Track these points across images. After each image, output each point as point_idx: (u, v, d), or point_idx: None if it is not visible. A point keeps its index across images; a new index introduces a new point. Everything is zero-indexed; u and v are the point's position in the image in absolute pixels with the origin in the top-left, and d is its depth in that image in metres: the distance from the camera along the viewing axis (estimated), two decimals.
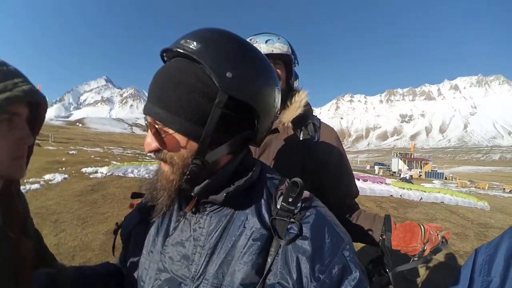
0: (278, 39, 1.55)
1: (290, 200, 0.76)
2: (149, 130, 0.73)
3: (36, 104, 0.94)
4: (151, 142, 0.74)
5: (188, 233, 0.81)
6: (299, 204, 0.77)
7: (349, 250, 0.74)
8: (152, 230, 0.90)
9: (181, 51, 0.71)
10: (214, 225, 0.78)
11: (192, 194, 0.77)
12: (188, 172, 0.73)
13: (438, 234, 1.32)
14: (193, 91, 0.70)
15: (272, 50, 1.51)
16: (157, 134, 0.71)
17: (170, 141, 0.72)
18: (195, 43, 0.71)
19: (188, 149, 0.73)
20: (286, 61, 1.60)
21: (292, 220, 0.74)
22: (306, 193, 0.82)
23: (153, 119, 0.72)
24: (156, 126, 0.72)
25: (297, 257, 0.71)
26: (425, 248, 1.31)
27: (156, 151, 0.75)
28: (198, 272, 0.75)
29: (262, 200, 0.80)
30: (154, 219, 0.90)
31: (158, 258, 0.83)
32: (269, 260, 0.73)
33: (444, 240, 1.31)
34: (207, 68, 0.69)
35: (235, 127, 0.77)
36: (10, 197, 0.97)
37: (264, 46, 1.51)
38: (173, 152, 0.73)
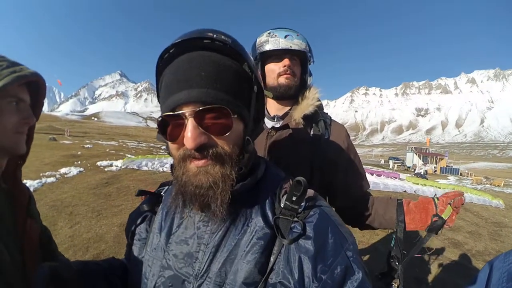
0: (297, 35, 1.54)
1: (294, 199, 0.75)
2: (190, 122, 0.68)
3: (36, 93, 1.12)
4: (200, 133, 0.68)
5: (192, 230, 0.82)
6: (303, 203, 0.77)
7: (352, 251, 0.73)
8: (156, 227, 0.90)
9: (219, 42, 0.75)
10: (218, 224, 0.78)
11: (231, 190, 0.74)
12: (242, 156, 0.76)
13: (450, 203, 1.34)
14: (239, 77, 0.76)
15: (291, 46, 1.50)
16: (220, 119, 0.70)
17: (235, 126, 0.72)
18: (224, 37, 0.75)
19: (241, 132, 0.77)
20: (303, 58, 1.59)
21: (295, 219, 0.75)
22: (310, 192, 0.81)
23: (215, 103, 0.69)
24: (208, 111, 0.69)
25: (299, 256, 0.71)
26: (432, 223, 1.35)
27: (205, 145, 0.70)
28: (202, 270, 0.75)
29: (266, 199, 0.81)
30: (159, 216, 0.92)
31: (162, 255, 0.84)
32: (271, 259, 0.73)
33: (436, 219, 1.34)
34: (241, 58, 0.78)
35: (256, 111, 0.85)
36: (15, 177, 1.11)
37: (283, 40, 1.51)
38: (229, 139, 0.72)
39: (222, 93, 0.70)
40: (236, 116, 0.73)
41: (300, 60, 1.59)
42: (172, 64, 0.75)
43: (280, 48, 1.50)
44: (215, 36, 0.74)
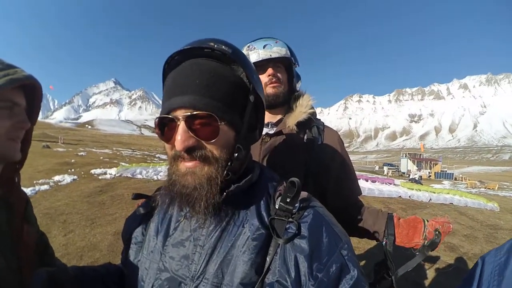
0: (276, 42, 1.55)
1: (288, 200, 0.77)
2: (181, 125, 0.72)
3: (32, 96, 1.07)
4: (189, 137, 0.72)
5: (188, 233, 0.83)
6: (297, 204, 0.79)
7: (347, 249, 0.74)
8: (153, 231, 0.91)
9: (218, 52, 0.77)
10: (214, 225, 0.79)
11: (226, 192, 0.77)
12: (231, 163, 0.77)
13: (437, 229, 1.33)
14: (234, 86, 0.78)
15: (271, 55, 1.51)
16: (208, 125, 0.72)
17: (221, 132, 0.74)
18: (225, 47, 0.78)
19: (231, 139, 0.78)
20: (286, 64, 1.60)
21: (290, 219, 0.76)
22: (304, 193, 0.83)
23: (205, 109, 0.72)
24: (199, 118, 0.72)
25: (295, 256, 0.72)
26: (426, 243, 1.33)
27: (193, 148, 0.73)
28: (198, 271, 0.76)
29: (261, 201, 0.82)
30: (155, 219, 0.93)
31: (159, 258, 0.84)
32: (268, 259, 0.74)
33: (437, 233, 1.32)
34: (240, 69, 0.80)
35: (254, 121, 0.86)
36: (11, 182, 1.08)
37: (262, 51, 1.52)
38: (217, 145, 0.74)
39: (214, 100, 0.73)
40: (225, 123, 0.75)
41: (284, 66, 1.60)
42: (175, 70, 0.79)
43: (261, 59, 1.51)
44: (215, 46, 0.77)
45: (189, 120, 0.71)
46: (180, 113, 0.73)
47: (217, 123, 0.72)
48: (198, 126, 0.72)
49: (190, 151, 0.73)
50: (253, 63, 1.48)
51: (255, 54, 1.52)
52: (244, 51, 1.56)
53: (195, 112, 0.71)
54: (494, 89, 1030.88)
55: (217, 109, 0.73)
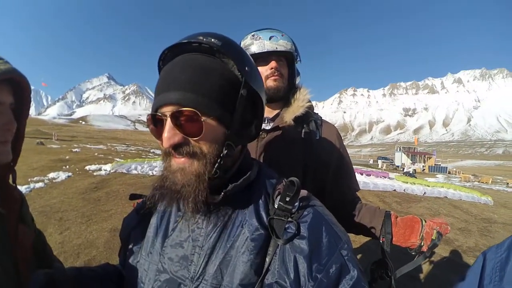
0: (282, 35, 1.52)
1: (288, 199, 0.76)
2: (168, 122, 0.71)
3: (19, 90, 0.99)
4: (174, 134, 0.71)
5: (186, 233, 0.82)
6: (296, 203, 0.78)
7: (347, 249, 0.74)
8: (151, 231, 0.90)
9: (206, 45, 0.76)
10: (212, 226, 0.79)
11: (224, 191, 0.76)
12: (220, 160, 0.75)
13: (435, 230, 1.32)
14: (223, 80, 0.75)
15: (277, 47, 1.48)
16: (193, 122, 0.71)
17: (207, 128, 0.72)
18: (215, 40, 0.76)
19: (220, 135, 0.76)
20: (289, 58, 1.57)
21: (289, 219, 0.75)
22: (303, 192, 0.82)
23: (189, 105, 0.70)
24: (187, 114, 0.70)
25: (294, 256, 0.71)
26: (422, 244, 1.32)
27: (180, 144, 0.72)
28: (197, 272, 0.75)
29: (260, 200, 0.81)
30: (153, 220, 0.92)
31: (157, 259, 0.84)
32: (267, 259, 0.73)
33: (439, 235, 1.31)
34: (230, 61, 0.77)
35: (249, 116, 0.84)
36: (5, 183, 1.02)
37: (268, 42, 1.48)
38: (204, 141, 0.73)
39: (199, 96, 0.71)
40: (212, 119, 0.73)
41: (286, 61, 1.57)
42: (165, 67, 0.78)
43: (266, 50, 1.47)
44: (204, 39, 0.75)
45: (174, 117, 0.70)
46: (167, 110, 0.72)
47: (200, 119, 0.70)
48: (184, 122, 0.71)
49: (177, 148, 0.72)
50: (257, 53, 1.47)
51: (260, 44, 1.48)
52: (248, 40, 1.52)
53: (180, 109, 0.70)
54: (488, 83, 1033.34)
55: (202, 105, 0.71)
